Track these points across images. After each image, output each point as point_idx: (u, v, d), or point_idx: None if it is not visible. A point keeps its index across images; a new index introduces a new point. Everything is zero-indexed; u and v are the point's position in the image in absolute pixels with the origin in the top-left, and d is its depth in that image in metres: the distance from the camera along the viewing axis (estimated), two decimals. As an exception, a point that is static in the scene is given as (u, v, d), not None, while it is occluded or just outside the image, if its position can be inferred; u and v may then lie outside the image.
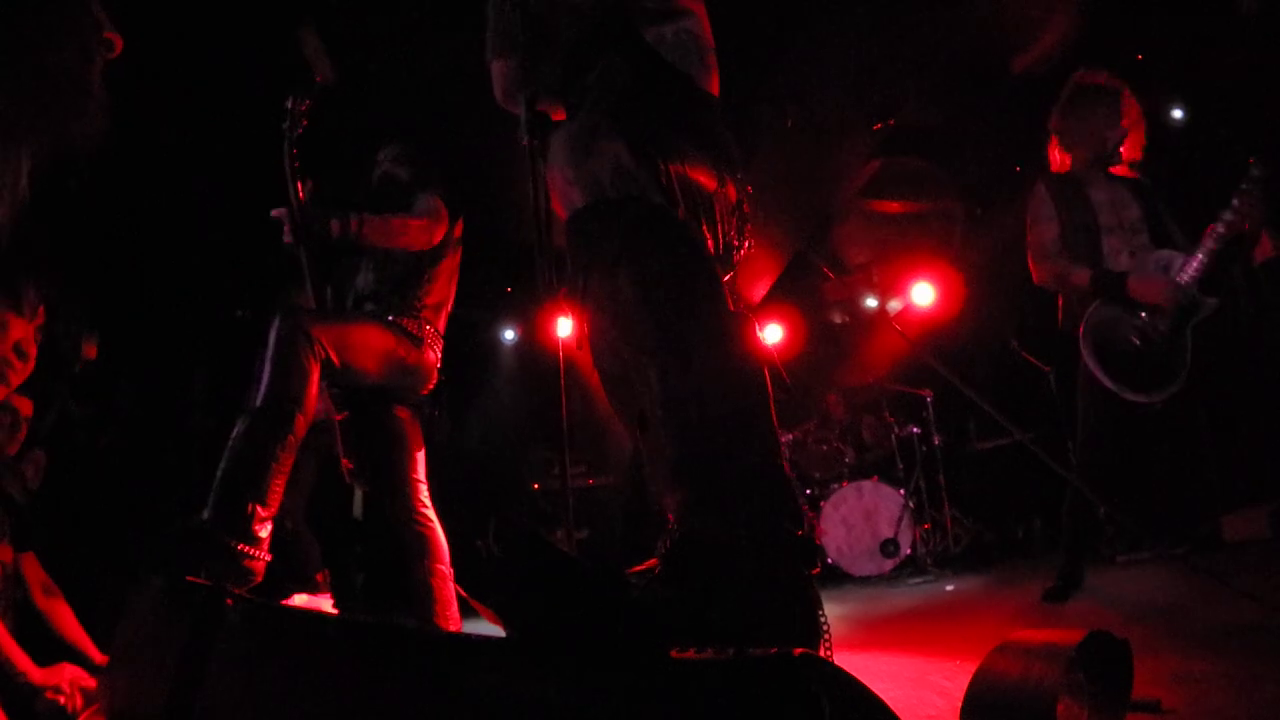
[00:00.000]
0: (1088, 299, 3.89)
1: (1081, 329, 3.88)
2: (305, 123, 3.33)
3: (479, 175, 7.10)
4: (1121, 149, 4.05)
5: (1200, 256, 3.69)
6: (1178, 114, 6.17)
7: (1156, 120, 4.17)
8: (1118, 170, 4.06)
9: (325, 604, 3.69)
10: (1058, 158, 4.19)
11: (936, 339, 8.44)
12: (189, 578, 1.62)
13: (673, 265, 2.17)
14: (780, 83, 6.04)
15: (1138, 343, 3.75)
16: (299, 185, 3.23)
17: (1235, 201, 3.63)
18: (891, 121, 6.58)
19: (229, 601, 1.47)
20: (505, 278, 9.43)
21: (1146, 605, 3.54)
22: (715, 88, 2.68)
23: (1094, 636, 1.72)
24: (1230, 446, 5.06)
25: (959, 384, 3.76)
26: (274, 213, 3.24)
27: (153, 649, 1.64)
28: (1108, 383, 3.76)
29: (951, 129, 6.88)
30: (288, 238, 3.22)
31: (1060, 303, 4.09)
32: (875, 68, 6.03)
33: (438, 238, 3.54)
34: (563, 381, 3.20)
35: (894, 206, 8.05)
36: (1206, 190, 3.94)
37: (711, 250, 2.36)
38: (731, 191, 2.46)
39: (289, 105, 3.30)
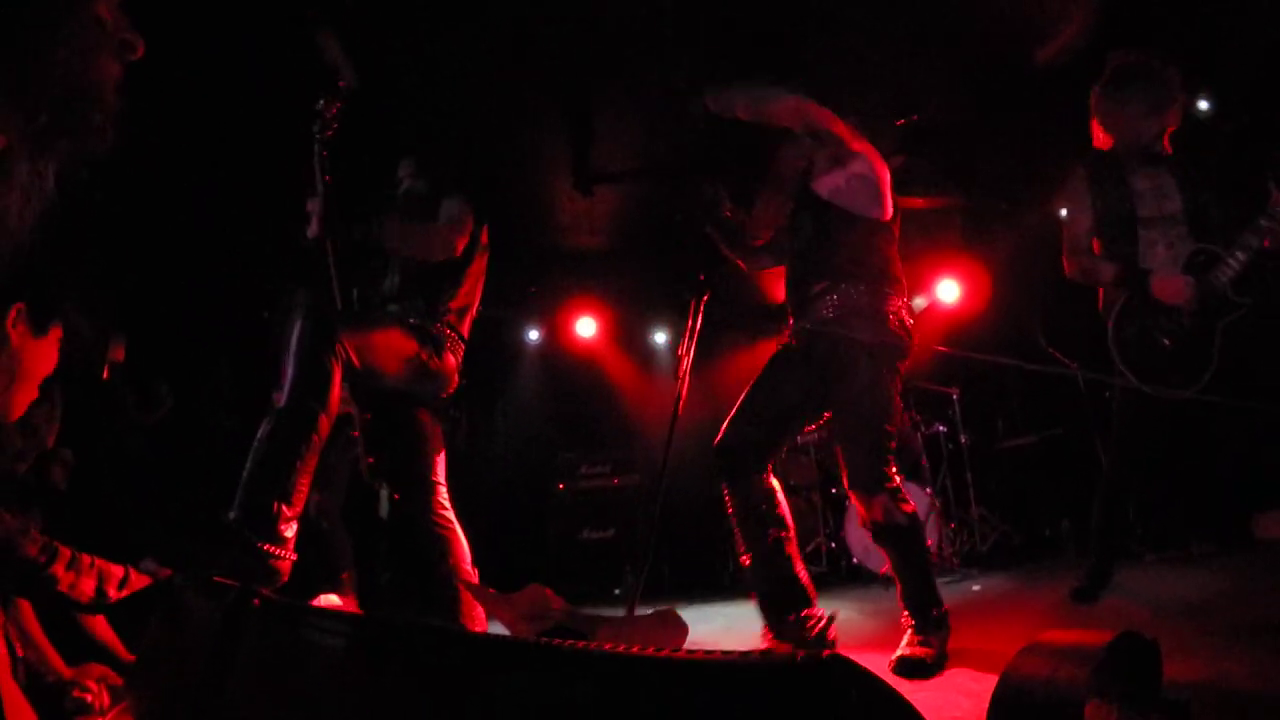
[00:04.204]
0: (1116, 294, 3.83)
1: (1110, 324, 3.83)
2: (335, 125, 3.36)
3: (503, 177, 7.15)
4: (1166, 129, 3.88)
5: (1238, 254, 3.58)
6: (1203, 105, 6.11)
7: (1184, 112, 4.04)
8: (1163, 150, 3.90)
9: (351, 604, 3.71)
10: (1101, 136, 4.02)
11: (962, 336, 8.40)
12: (216, 578, 1.64)
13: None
14: (804, 81, 6.02)
15: (1164, 340, 3.69)
16: (326, 188, 3.27)
17: (1278, 196, 3.51)
18: (915, 117, 6.55)
19: (255, 602, 1.48)
20: (529, 278, 9.47)
21: (1176, 604, 3.51)
22: (887, 210, 3.52)
23: (1123, 637, 1.70)
24: (1263, 445, 5.00)
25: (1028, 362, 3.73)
26: (309, 206, 3.30)
27: (180, 648, 1.65)
28: (1131, 378, 3.71)
29: (975, 123, 6.83)
30: (313, 230, 3.26)
31: (1100, 293, 4.01)
32: (898, 63, 6.00)
33: (461, 245, 3.57)
34: (678, 404, 3.36)
35: (918, 203, 8.00)
36: (1236, 180, 3.85)
37: None
38: None
39: (318, 108, 3.33)
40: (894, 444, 3.34)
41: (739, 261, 3.93)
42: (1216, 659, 2.32)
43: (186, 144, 5.56)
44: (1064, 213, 4.13)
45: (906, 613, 3.32)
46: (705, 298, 3.50)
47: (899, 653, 3.12)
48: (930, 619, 3.27)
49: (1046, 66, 6.12)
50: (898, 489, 3.29)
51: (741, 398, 3.57)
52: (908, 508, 3.28)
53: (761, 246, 3.89)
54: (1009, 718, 1.66)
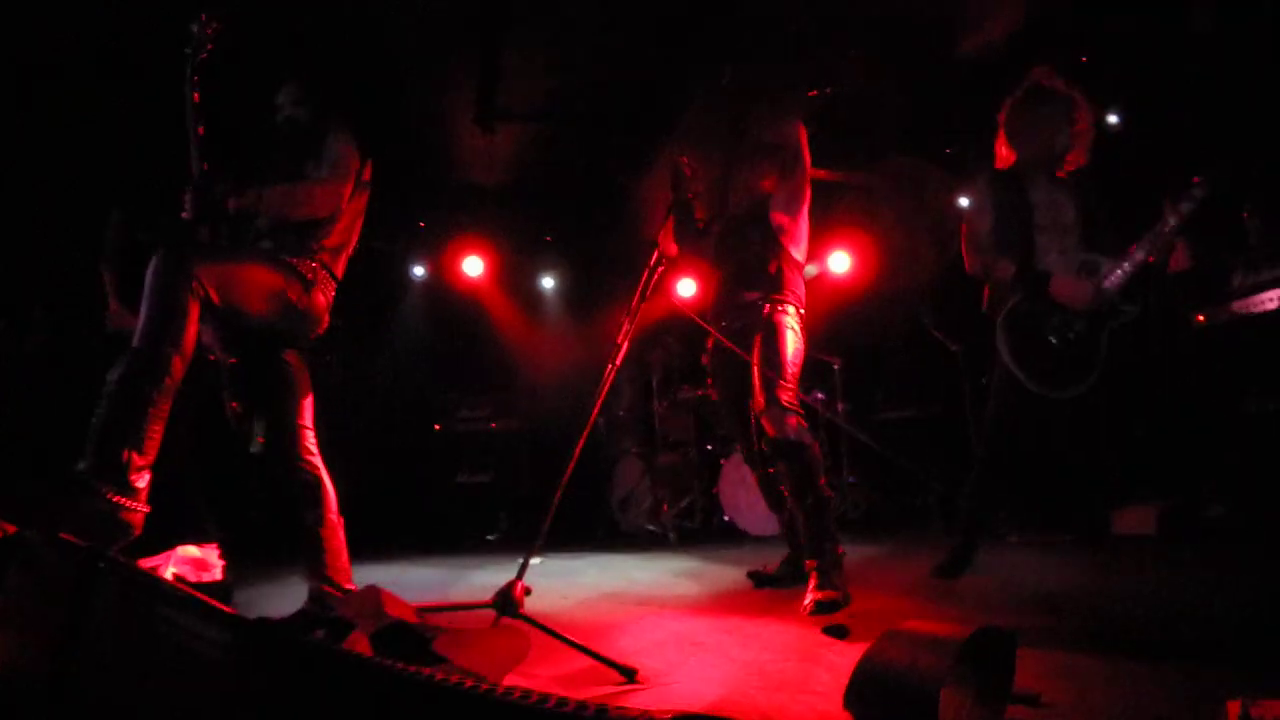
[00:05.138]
0: (1010, 292, 3.95)
1: (1000, 319, 3.94)
2: (210, 47, 3.18)
3: (401, 106, 6.93)
4: (1068, 156, 4.08)
5: (1126, 264, 3.76)
6: (1114, 119, 6.31)
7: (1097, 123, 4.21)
8: (1060, 174, 4.09)
9: (212, 554, 3.59)
10: (1004, 153, 4.21)
11: (848, 306, 8.55)
12: (64, 534, 1.55)
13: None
14: (720, 42, 6.00)
15: (1053, 340, 3.83)
16: (198, 120, 3.11)
17: (1169, 218, 3.68)
18: (829, 90, 6.58)
19: (102, 564, 1.42)
20: (419, 212, 9.25)
21: (1035, 591, 3.63)
22: (804, 253, 4.26)
23: (982, 632, 1.75)
24: (1127, 447, 5.26)
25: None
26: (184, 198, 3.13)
27: (31, 609, 1.58)
28: (1019, 374, 3.83)
29: (889, 104, 6.89)
30: (187, 213, 3.09)
31: (986, 291, 4.14)
32: (818, 35, 6.00)
33: (346, 193, 3.44)
34: (613, 365, 3.25)
35: (820, 174, 8.06)
36: (1139, 194, 4.00)
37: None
38: None
39: (194, 29, 3.15)
40: (794, 377, 3.94)
41: (672, 240, 4.19)
42: (1069, 653, 2.40)
43: (62, 64, 5.26)
44: (966, 209, 4.25)
45: (808, 554, 3.72)
46: (661, 269, 3.57)
47: (810, 597, 3.47)
48: (829, 555, 3.67)
49: (966, 60, 6.20)
50: (800, 413, 3.83)
51: (723, 412, 4.60)
52: (803, 426, 3.80)
53: (700, 231, 4.44)
54: (866, 699, 1.70)
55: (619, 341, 3.37)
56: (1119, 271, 3.77)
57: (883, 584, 4.08)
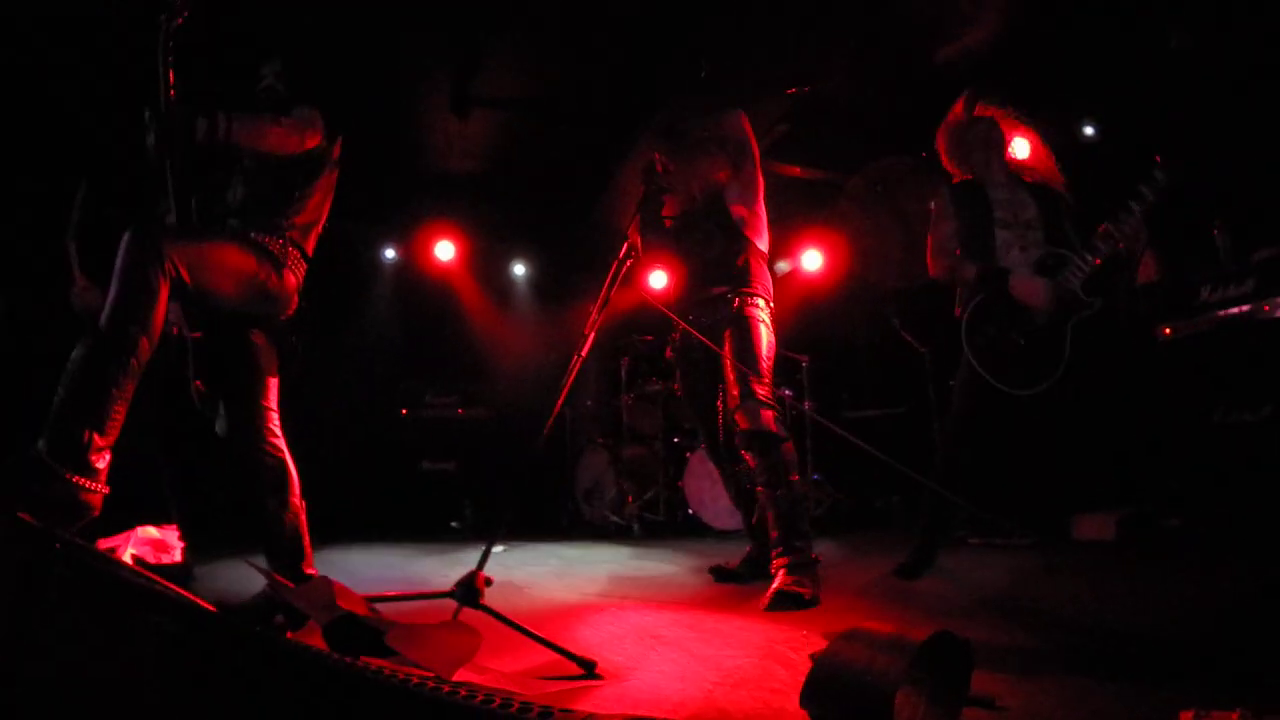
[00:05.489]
0: (975, 291, 3.99)
1: (964, 318, 3.98)
2: (186, 13, 3.12)
3: (378, 89, 6.87)
4: (1015, 161, 4.21)
5: (1089, 258, 3.80)
6: (1089, 130, 6.36)
7: (1068, 133, 4.31)
8: (1020, 175, 4.19)
9: (171, 535, 3.56)
10: (952, 170, 4.35)
11: (818, 304, 8.58)
12: (20, 514, 1.53)
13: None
14: (702, 35, 5.98)
15: (1016, 337, 3.86)
16: (170, 85, 3.04)
17: (1133, 204, 3.72)
18: (806, 89, 6.59)
19: (56, 545, 1.40)
20: (393, 194, 9.18)
21: (994, 594, 3.65)
22: (767, 244, 4.39)
23: (939, 636, 1.76)
24: (1090, 451, 5.31)
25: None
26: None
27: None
28: (982, 372, 3.86)
29: (865, 104, 6.91)
30: (154, 146, 3.02)
31: (958, 294, 4.18)
32: (799, 34, 6.00)
33: (310, 142, 3.39)
34: (578, 358, 3.21)
35: (794, 171, 8.09)
36: (1114, 202, 4.04)
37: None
38: None
39: None
40: (769, 371, 4.00)
41: (638, 235, 4.17)
42: (1026, 659, 2.42)
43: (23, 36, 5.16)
44: (930, 216, 4.31)
45: (778, 551, 3.71)
46: (630, 261, 3.55)
47: (775, 587, 3.51)
48: (801, 554, 3.67)
49: (945, 65, 6.23)
50: (775, 407, 3.88)
51: (688, 407, 4.74)
52: (779, 420, 3.84)
53: (666, 229, 4.53)
54: (822, 696, 1.71)
55: (586, 332, 3.36)
56: (1081, 265, 3.82)
57: (843, 583, 4.09)
